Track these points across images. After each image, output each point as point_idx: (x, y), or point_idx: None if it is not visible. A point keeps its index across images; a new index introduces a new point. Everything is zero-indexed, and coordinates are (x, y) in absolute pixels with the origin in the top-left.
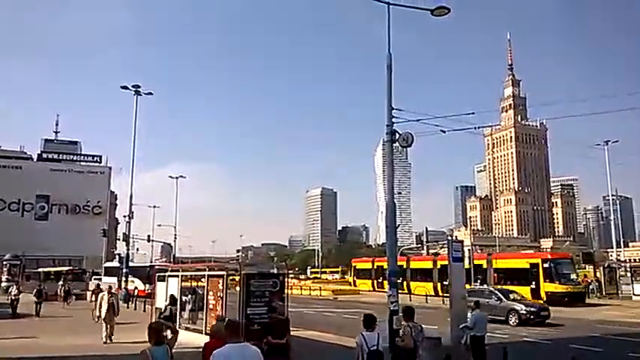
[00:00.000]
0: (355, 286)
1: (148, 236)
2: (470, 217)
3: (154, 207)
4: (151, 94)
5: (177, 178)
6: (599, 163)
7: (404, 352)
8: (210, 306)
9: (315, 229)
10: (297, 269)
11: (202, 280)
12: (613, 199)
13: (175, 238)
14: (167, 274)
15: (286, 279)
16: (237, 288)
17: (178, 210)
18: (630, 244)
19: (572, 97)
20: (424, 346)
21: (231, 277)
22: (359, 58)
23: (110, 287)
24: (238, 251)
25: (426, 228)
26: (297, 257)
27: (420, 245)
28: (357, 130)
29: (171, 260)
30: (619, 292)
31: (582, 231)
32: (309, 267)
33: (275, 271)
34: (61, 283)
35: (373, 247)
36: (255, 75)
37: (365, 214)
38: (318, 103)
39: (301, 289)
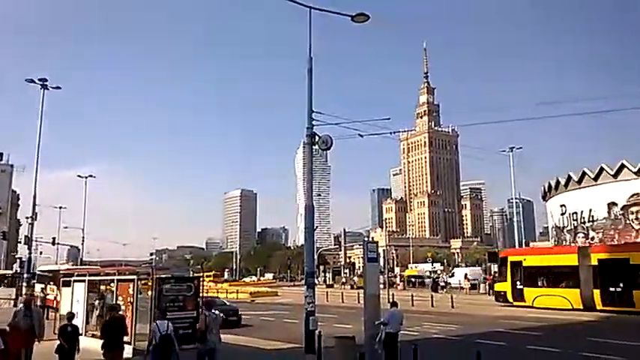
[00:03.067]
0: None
1: (53, 239)
2: (386, 218)
3: (60, 208)
4: (58, 88)
5: (86, 178)
6: (504, 168)
7: (201, 333)
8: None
9: (234, 231)
10: (214, 272)
11: (111, 284)
12: (516, 202)
13: (83, 241)
14: (73, 278)
15: (202, 282)
16: (150, 292)
17: (87, 212)
18: (531, 243)
19: (482, 105)
20: (214, 331)
21: (143, 282)
22: (283, 58)
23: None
24: (151, 254)
25: (344, 229)
26: (214, 260)
27: (337, 246)
28: (279, 132)
29: (78, 264)
30: None
31: (489, 232)
32: (226, 269)
33: (190, 274)
34: None
35: (292, 248)
36: (177, 74)
37: (285, 215)
38: (240, 104)
39: (217, 292)
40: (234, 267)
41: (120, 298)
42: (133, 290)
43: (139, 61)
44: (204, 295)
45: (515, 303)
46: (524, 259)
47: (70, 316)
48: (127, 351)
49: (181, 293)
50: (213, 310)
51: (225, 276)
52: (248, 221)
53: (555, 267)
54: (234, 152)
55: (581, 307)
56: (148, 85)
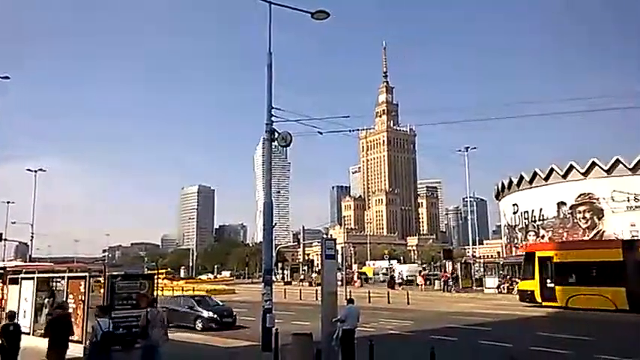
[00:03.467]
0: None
1: (0, 234)
2: (344, 216)
3: (8, 202)
4: (7, 78)
5: (35, 172)
6: (460, 167)
7: (142, 329)
8: (70, 310)
9: (191, 228)
10: (166, 270)
11: (62, 282)
12: (471, 201)
13: (32, 237)
14: (21, 276)
15: (156, 280)
16: (102, 290)
17: (37, 207)
18: (485, 241)
19: (440, 105)
20: (156, 327)
21: (95, 279)
22: (242, 55)
23: None
24: (104, 251)
25: (303, 227)
26: (169, 257)
27: (296, 243)
28: (239, 127)
29: (27, 261)
30: (473, 285)
31: (444, 230)
32: (182, 267)
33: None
34: None
35: (251, 245)
36: (134, 69)
37: (244, 212)
38: (199, 99)
39: (173, 289)
40: (191, 264)
41: (71, 296)
42: (85, 288)
43: (96, 56)
44: (160, 293)
45: (544, 303)
46: (556, 255)
47: (11, 314)
48: (78, 350)
49: (135, 291)
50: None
51: (182, 273)
52: (205, 218)
53: (594, 263)
54: (192, 147)
55: (627, 308)
56: (104, 80)
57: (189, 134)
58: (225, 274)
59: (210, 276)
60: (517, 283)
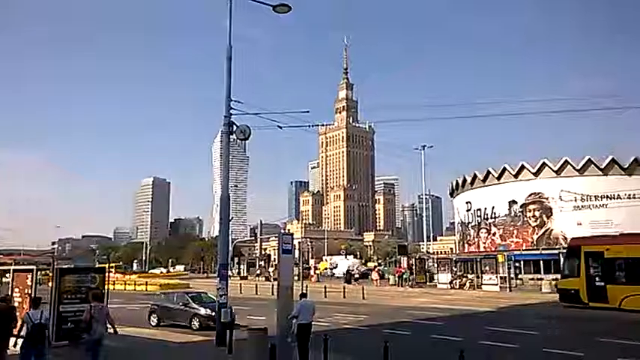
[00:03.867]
0: (599, 298)
1: None
2: (302, 211)
3: None
4: None
5: None
6: (417, 165)
7: (85, 323)
8: (16, 304)
9: (145, 221)
10: (115, 264)
11: (7, 275)
12: (426, 198)
13: None
14: None
15: (107, 273)
16: (50, 284)
17: None
18: (439, 238)
19: (399, 103)
20: (101, 322)
21: (43, 272)
22: (204, 44)
23: None
24: (54, 244)
25: (260, 221)
26: (122, 251)
27: (253, 238)
28: (197, 119)
29: None
30: (427, 280)
31: (400, 226)
32: (135, 260)
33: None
34: None
35: (207, 239)
36: (90, 58)
37: (200, 206)
38: (156, 91)
39: (125, 283)
40: (144, 258)
41: (17, 289)
42: (32, 281)
43: (52, 46)
44: (111, 287)
45: (592, 304)
46: (608, 249)
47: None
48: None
49: (85, 285)
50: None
51: (134, 267)
52: (160, 211)
53: None
54: (147, 139)
55: None
56: (60, 71)
57: (145, 125)
58: (179, 268)
59: (163, 270)
60: (468, 278)
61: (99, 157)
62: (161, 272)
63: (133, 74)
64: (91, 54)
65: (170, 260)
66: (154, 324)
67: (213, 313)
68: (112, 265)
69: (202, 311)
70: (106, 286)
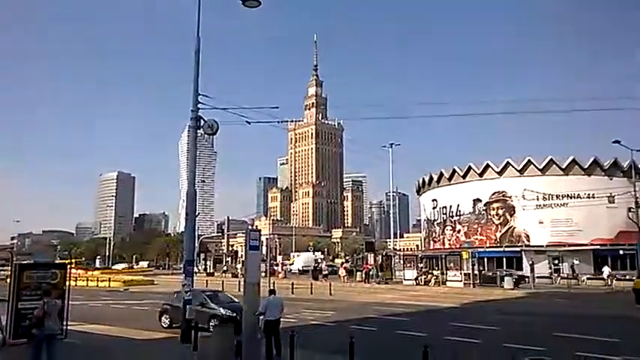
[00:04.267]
0: None
1: None
2: (271, 207)
3: None
4: None
5: None
6: (385, 162)
7: (37, 319)
8: None
9: (109, 216)
10: (75, 260)
11: None
12: (393, 196)
13: None
14: None
15: (69, 270)
16: (9, 280)
17: None
18: (405, 235)
19: (368, 101)
20: (52, 318)
21: (0, 268)
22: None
23: None
24: (13, 239)
25: (228, 217)
26: (85, 246)
27: (221, 234)
28: (164, 112)
29: None
30: (393, 276)
31: (367, 223)
32: (98, 256)
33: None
34: None
35: (172, 235)
36: (53, 48)
37: (167, 201)
38: (121, 82)
39: (87, 280)
40: (108, 254)
41: None
42: None
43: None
44: (73, 283)
45: None
46: None
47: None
48: None
49: (45, 281)
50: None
51: (97, 263)
52: (124, 206)
53: None
54: (112, 131)
55: None
56: (20, 57)
57: (110, 118)
58: (143, 264)
59: (125, 266)
60: (433, 275)
61: (60, 149)
62: (123, 268)
63: (99, 67)
64: (47, 40)
65: (134, 256)
66: (165, 326)
67: (235, 314)
68: (73, 260)
69: (221, 312)
70: (67, 283)
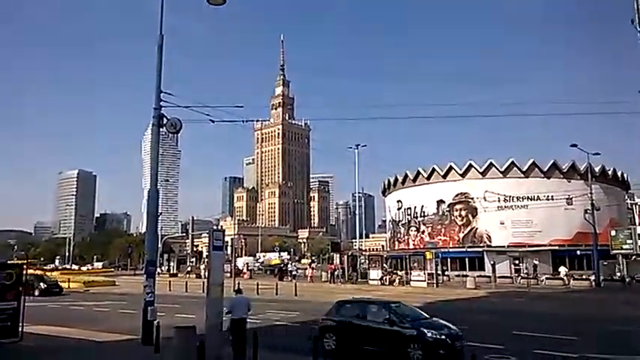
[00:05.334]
0: None
1: None
2: (237, 207)
3: None
4: None
5: None
6: (351, 163)
7: None
8: None
9: (69, 216)
10: (42, 259)
11: None
12: (359, 196)
13: None
14: None
15: (25, 270)
16: None
17: None
18: (371, 235)
19: (336, 102)
20: None
21: None
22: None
23: None
24: None
25: (192, 217)
26: (43, 246)
27: (185, 234)
28: (126, 109)
29: None
30: (359, 276)
31: (334, 223)
32: (58, 257)
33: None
34: None
35: (135, 235)
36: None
37: (129, 200)
38: (83, 78)
39: None
40: (67, 254)
41: None
42: None
43: None
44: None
45: None
46: None
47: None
48: None
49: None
50: None
51: (57, 263)
52: (85, 205)
53: None
54: (72, 128)
55: None
56: None
57: (70, 115)
58: (97, 265)
59: (75, 267)
60: (398, 275)
61: (17, 146)
62: (79, 269)
63: (60, 64)
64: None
65: (95, 256)
66: (328, 348)
67: (447, 340)
68: (30, 261)
69: (428, 335)
70: (23, 283)
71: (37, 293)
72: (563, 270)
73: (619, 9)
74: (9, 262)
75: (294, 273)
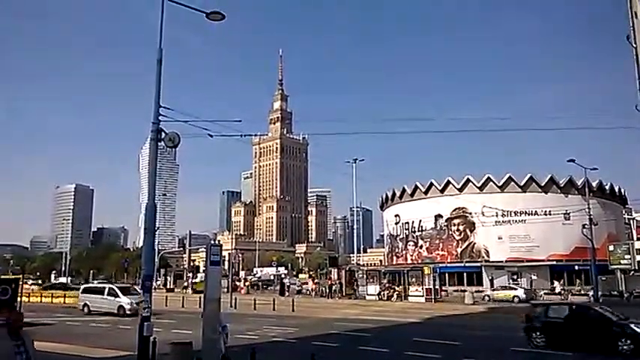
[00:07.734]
0: None
1: None
2: (234, 221)
3: None
4: None
5: None
6: (349, 177)
7: None
8: None
9: (65, 230)
10: (38, 274)
11: None
12: (357, 211)
13: None
14: None
15: (21, 285)
16: None
17: None
18: (369, 250)
19: (334, 116)
20: None
21: None
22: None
23: None
24: None
25: (190, 232)
26: (39, 261)
27: (182, 249)
28: (125, 123)
29: None
30: (356, 292)
31: (332, 238)
32: (54, 272)
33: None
34: None
35: (132, 250)
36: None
37: (126, 215)
38: (79, 89)
39: (42, 296)
40: (63, 269)
41: None
42: None
43: None
44: (25, 299)
45: None
46: None
47: None
48: None
49: None
50: None
51: (52, 278)
52: (82, 219)
53: None
54: (70, 144)
55: None
56: None
57: (68, 130)
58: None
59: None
60: (395, 290)
61: (16, 162)
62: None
63: (57, 75)
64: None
65: (91, 271)
66: (538, 344)
67: None
68: (27, 275)
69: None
70: (18, 299)
71: None
72: (557, 285)
73: (618, 24)
74: (4, 277)
75: (298, 289)
